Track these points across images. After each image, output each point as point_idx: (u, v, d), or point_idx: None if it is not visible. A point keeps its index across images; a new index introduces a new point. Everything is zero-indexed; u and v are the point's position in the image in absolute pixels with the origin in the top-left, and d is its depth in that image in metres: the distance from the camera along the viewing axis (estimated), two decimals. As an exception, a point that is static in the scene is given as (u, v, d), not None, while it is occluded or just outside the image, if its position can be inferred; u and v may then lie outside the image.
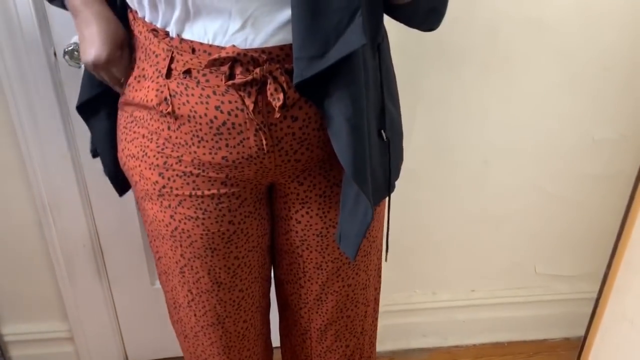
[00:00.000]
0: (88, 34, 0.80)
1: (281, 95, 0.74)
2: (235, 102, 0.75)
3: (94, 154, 0.99)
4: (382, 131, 0.85)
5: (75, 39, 1.18)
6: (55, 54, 1.21)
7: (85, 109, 0.92)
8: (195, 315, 0.99)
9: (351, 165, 0.75)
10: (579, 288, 1.66)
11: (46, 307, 1.54)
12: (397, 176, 0.94)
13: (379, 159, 0.85)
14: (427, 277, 1.64)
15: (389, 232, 0.99)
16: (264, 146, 0.78)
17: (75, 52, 1.19)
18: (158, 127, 0.81)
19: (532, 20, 1.29)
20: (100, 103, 0.91)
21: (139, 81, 0.81)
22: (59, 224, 1.40)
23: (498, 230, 1.58)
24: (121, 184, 0.99)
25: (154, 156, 0.84)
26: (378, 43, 0.83)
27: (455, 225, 1.56)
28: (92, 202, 1.40)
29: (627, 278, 1.00)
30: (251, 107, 0.74)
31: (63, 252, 1.43)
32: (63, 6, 0.85)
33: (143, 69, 0.80)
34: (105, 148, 0.94)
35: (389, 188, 0.90)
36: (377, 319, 1.13)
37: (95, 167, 1.04)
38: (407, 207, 1.51)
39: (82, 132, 1.26)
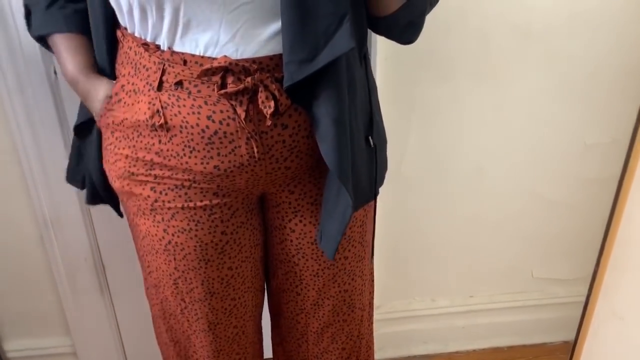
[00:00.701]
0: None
1: (272, 103, 0.76)
2: (227, 111, 0.77)
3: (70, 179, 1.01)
4: (370, 137, 0.88)
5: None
6: (55, 72, 1.23)
7: (81, 130, 0.95)
8: (187, 321, 1.00)
9: (336, 163, 0.77)
10: (577, 291, 1.67)
11: (49, 322, 1.55)
12: (381, 183, 0.95)
13: (365, 165, 0.87)
14: (426, 284, 1.65)
15: (379, 234, 1.01)
16: (255, 154, 0.80)
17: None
18: (148, 143, 0.82)
19: (522, 28, 1.32)
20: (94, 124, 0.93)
21: (130, 96, 0.82)
22: (61, 239, 1.41)
23: (494, 236, 1.60)
24: (114, 203, 1.01)
25: (143, 173, 0.85)
26: (364, 53, 0.86)
27: (452, 232, 1.58)
28: (93, 216, 1.41)
29: (616, 276, 1.01)
30: (242, 115, 0.76)
31: (65, 267, 1.45)
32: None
33: (134, 84, 0.82)
34: (95, 167, 0.94)
35: (374, 193, 0.92)
36: (372, 322, 1.15)
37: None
38: (403, 215, 1.53)
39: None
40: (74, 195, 1.37)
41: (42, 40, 0.91)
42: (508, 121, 1.44)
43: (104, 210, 1.38)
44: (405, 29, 0.85)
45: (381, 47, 1.28)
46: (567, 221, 1.59)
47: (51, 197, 1.36)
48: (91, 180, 0.96)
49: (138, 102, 0.81)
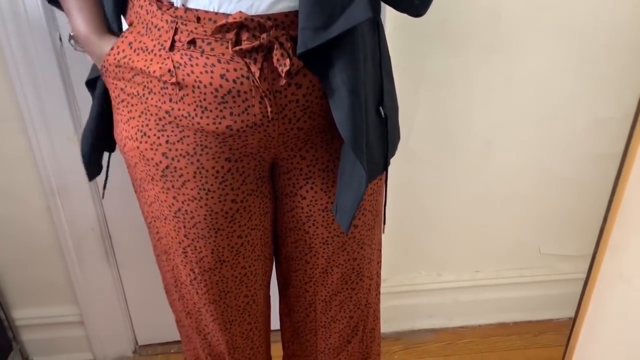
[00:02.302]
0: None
1: (287, 61, 0.74)
2: (241, 69, 0.75)
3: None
4: (381, 107, 0.87)
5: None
6: (60, 39, 1.23)
7: (91, 85, 0.94)
8: (197, 292, 1.00)
9: (350, 134, 0.76)
10: (584, 268, 1.66)
11: (56, 291, 1.56)
12: (393, 153, 0.95)
13: (377, 135, 0.86)
14: (432, 259, 1.65)
15: (387, 207, 1.01)
16: (269, 113, 0.78)
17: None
18: (158, 101, 0.80)
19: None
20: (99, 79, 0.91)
21: (138, 54, 0.81)
22: (67, 209, 1.42)
23: (502, 211, 1.59)
24: (92, 169, 0.99)
25: (155, 135, 0.83)
26: (377, 21, 0.85)
27: (459, 206, 1.57)
28: (100, 186, 1.41)
29: (623, 236, 0.97)
30: (257, 73, 0.74)
31: (72, 237, 1.45)
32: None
33: (143, 43, 0.80)
34: (91, 127, 0.94)
35: (385, 164, 0.91)
36: (379, 292, 1.15)
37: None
38: (411, 189, 1.53)
39: (89, 116, 1.28)
40: (80, 165, 1.34)
41: (54, 1, 0.90)
42: (518, 94, 1.42)
43: (110, 180, 1.39)
44: (413, 1, 0.84)
45: (390, 17, 1.26)
46: (576, 197, 1.58)
47: (58, 167, 1.36)
48: (88, 150, 0.95)
49: (148, 61, 0.80)
